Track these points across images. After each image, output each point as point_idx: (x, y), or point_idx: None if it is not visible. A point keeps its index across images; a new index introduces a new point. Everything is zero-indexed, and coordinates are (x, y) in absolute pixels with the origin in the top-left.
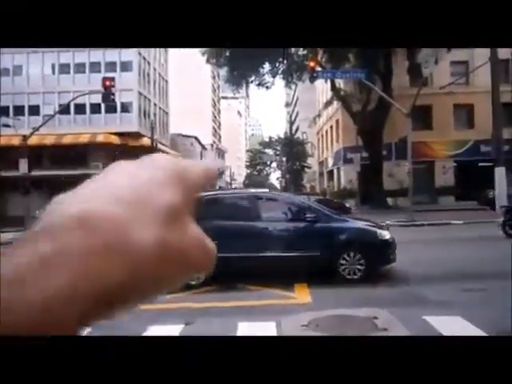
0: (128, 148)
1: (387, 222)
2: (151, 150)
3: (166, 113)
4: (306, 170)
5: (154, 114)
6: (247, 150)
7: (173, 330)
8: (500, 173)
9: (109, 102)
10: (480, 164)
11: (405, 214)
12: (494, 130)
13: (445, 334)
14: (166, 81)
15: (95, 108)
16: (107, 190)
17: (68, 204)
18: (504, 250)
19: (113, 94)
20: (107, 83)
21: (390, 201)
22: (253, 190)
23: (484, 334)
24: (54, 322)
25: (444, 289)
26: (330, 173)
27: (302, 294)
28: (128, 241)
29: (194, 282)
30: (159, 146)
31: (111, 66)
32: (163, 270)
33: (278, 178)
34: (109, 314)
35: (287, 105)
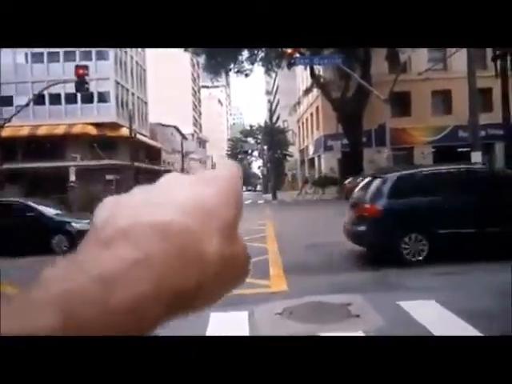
0: (106, 138)
1: None
2: (130, 140)
3: (145, 102)
4: (288, 158)
5: (133, 104)
6: (228, 139)
7: None
8: (476, 157)
9: (83, 91)
10: (458, 149)
11: None
12: (471, 115)
13: (418, 318)
14: (144, 69)
15: (71, 98)
16: (172, 201)
17: (135, 211)
18: None
19: (87, 83)
20: (80, 72)
21: None
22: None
23: (457, 317)
24: (142, 321)
25: (419, 273)
26: (311, 161)
27: (277, 283)
28: (198, 251)
29: None
30: (138, 136)
31: (86, 55)
32: (222, 279)
33: (259, 167)
34: (179, 315)
35: (268, 93)
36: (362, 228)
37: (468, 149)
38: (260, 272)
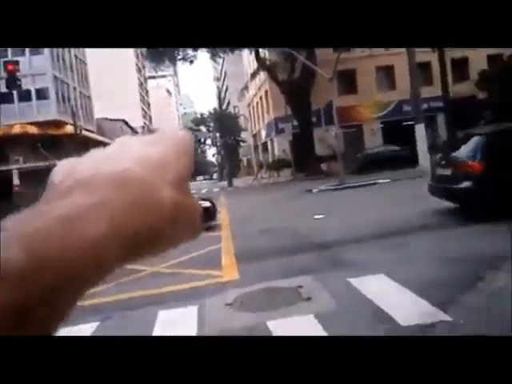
0: (50, 137)
1: (320, 188)
2: (75, 137)
3: (88, 97)
4: (241, 144)
5: (75, 99)
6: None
7: (85, 329)
8: (420, 130)
9: (15, 89)
10: (404, 123)
11: (336, 177)
12: (412, 89)
13: (366, 293)
14: (85, 63)
15: (7, 97)
16: (127, 155)
17: (92, 165)
18: (429, 204)
19: (19, 80)
20: (10, 67)
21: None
22: None
23: (405, 289)
24: (102, 259)
25: (370, 248)
26: (264, 145)
27: (229, 271)
28: (152, 197)
29: None
30: (84, 132)
31: (18, 50)
32: (176, 225)
33: (213, 155)
34: (138, 258)
35: (216, 79)
36: (467, 185)
37: (412, 122)
38: (212, 262)
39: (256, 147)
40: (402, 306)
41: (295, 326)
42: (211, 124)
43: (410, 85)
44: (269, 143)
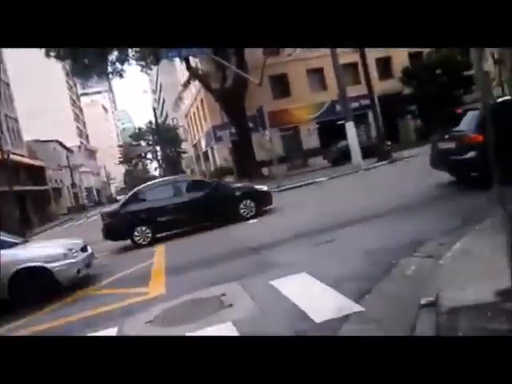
0: None
1: None
2: (2, 162)
3: (15, 119)
4: (183, 155)
5: (0, 123)
6: (118, 145)
7: None
8: (350, 127)
9: None
10: (338, 122)
11: (277, 180)
12: (339, 90)
13: (287, 293)
14: (7, 83)
15: None
16: None
17: None
18: (357, 198)
19: None
20: None
21: (266, 170)
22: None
23: (326, 285)
24: None
25: (297, 248)
26: (206, 154)
27: (155, 287)
28: None
29: None
30: (13, 156)
31: None
32: None
33: (155, 168)
34: None
35: (152, 92)
36: (471, 155)
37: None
38: (143, 278)
39: (198, 157)
40: (319, 302)
41: (213, 335)
42: (150, 137)
43: (337, 85)
44: (209, 152)
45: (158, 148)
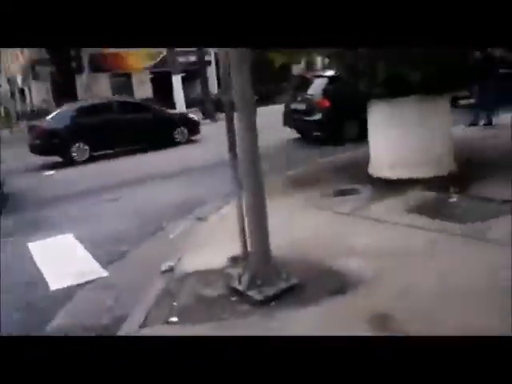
0: None
1: None
2: None
3: None
4: None
5: None
6: None
7: None
8: (176, 80)
9: None
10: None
11: None
12: None
13: (38, 258)
14: None
15: None
16: None
17: None
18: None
19: None
20: None
21: None
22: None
23: (83, 250)
24: None
25: (74, 207)
26: (22, 92)
27: None
28: None
29: None
30: None
31: None
32: None
33: None
34: None
35: None
36: (317, 117)
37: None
38: None
39: (13, 94)
40: (66, 267)
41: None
42: None
43: None
44: (26, 90)
45: None
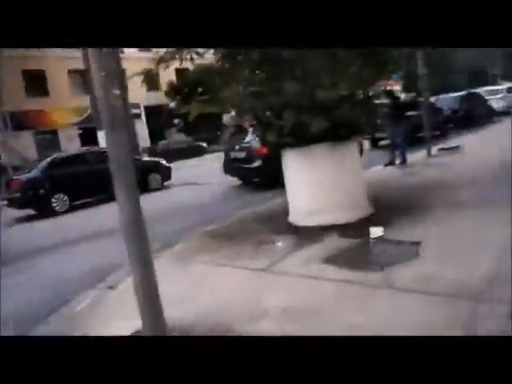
0: None
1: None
2: None
3: None
4: None
5: None
6: None
7: None
8: (101, 136)
9: None
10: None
11: None
12: (91, 99)
13: None
14: None
15: None
16: None
17: None
18: None
19: None
20: None
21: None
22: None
23: None
24: None
25: None
26: None
27: None
28: None
29: None
30: None
31: None
32: None
33: None
34: None
35: None
36: (257, 164)
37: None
38: None
39: None
40: None
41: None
42: None
43: (94, 89)
44: None
45: None
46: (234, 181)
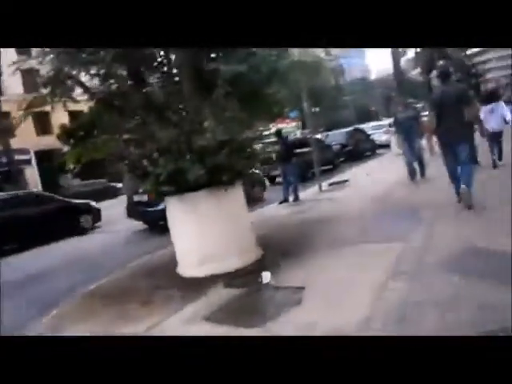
0: None
1: None
2: None
3: None
4: None
5: None
6: None
7: None
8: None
9: None
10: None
11: None
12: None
13: None
14: None
15: None
16: None
17: None
18: None
19: None
20: None
21: None
22: None
23: None
24: None
25: None
26: None
27: None
28: None
29: None
30: None
31: None
32: None
33: None
34: None
35: None
36: (161, 207)
37: None
38: None
39: None
40: None
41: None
42: None
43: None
44: None
45: None
46: (139, 225)
